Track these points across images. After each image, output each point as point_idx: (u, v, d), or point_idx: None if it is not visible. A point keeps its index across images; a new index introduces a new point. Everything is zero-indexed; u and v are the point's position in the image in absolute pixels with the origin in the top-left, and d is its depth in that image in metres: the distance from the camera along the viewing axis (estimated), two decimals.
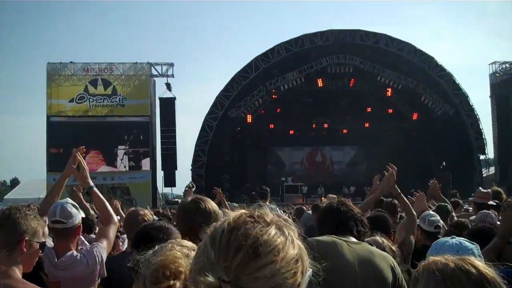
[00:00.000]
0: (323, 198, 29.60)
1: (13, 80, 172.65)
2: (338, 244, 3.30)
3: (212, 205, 3.30)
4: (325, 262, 2.96)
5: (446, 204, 7.68)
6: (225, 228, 1.24)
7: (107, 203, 4.31)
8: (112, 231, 4.21)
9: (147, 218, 4.66)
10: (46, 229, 3.13)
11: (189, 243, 2.04)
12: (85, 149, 4.52)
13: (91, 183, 4.32)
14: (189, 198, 3.45)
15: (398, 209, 7.35)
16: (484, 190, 7.73)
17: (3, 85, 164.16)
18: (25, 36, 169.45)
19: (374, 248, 3.48)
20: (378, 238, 4.07)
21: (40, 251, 3.01)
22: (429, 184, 8.63)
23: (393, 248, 4.06)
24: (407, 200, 5.31)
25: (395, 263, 3.43)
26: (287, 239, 1.24)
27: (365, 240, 3.66)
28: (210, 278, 1.16)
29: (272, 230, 1.24)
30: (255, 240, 1.20)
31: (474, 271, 1.63)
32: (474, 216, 6.70)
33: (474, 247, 2.50)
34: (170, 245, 1.99)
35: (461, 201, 9.75)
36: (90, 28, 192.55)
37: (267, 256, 1.19)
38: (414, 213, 5.23)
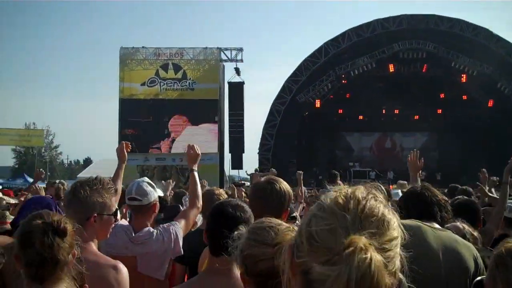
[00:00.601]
0: (391, 186, 29.70)
1: (88, 64, 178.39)
2: (423, 229, 3.28)
3: (286, 186, 3.38)
4: (410, 247, 3.30)
5: None
6: (355, 197, 1.25)
7: (199, 189, 4.59)
8: (193, 214, 4.47)
9: (222, 197, 4.99)
10: (114, 198, 3.30)
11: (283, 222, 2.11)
12: (130, 147, 4.99)
13: (195, 167, 4.61)
14: (263, 179, 3.53)
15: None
16: None
17: (79, 69, 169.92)
18: (99, 21, 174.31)
19: (458, 237, 3.44)
20: (458, 223, 3.97)
21: (114, 219, 3.23)
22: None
23: (475, 234, 3.96)
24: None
25: (478, 254, 3.38)
26: (395, 217, 1.27)
27: (446, 226, 3.66)
28: (360, 238, 1.16)
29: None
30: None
31: None
32: None
33: None
34: (279, 225, 2.06)
35: None
36: (162, 13, 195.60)
37: (392, 230, 1.23)
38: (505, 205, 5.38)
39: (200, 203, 4.55)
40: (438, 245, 3.23)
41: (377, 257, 1.13)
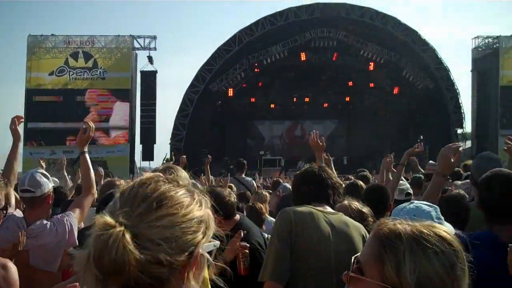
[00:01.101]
0: None
1: None
2: (314, 214, 3.25)
3: (183, 173, 3.22)
4: (302, 233, 3.14)
5: (420, 175, 8.02)
6: (136, 183, 1.36)
7: (92, 173, 4.32)
8: (87, 202, 4.25)
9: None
10: (4, 194, 3.25)
11: None
12: (22, 119, 4.63)
13: (86, 149, 4.28)
14: (160, 167, 3.49)
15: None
16: (434, 162, 7.78)
17: None
18: (6, 8, 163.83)
19: (348, 219, 3.41)
20: (345, 202, 3.90)
21: (3, 214, 3.13)
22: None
23: (364, 210, 3.90)
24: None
25: (367, 233, 3.31)
26: (194, 200, 1.35)
27: (335, 207, 3.62)
28: (107, 218, 1.24)
29: (181, 191, 1.35)
30: (160, 194, 1.31)
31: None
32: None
33: (432, 209, 2.46)
34: None
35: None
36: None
37: (168, 208, 1.29)
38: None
39: (94, 189, 4.35)
40: (328, 230, 3.21)
41: (119, 234, 1.20)
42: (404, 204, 2.55)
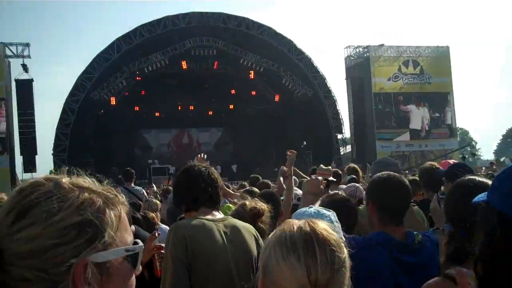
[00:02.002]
0: None
1: None
2: (207, 226, 3.18)
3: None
4: (198, 249, 3.10)
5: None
6: (14, 192, 1.22)
7: None
8: None
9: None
10: None
11: None
12: None
13: None
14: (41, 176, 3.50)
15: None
16: (325, 167, 8.22)
17: None
18: None
19: (238, 221, 3.37)
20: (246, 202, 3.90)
21: None
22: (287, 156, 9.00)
23: (263, 207, 3.80)
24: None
25: (257, 232, 3.39)
26: (74, 204, 1.18)
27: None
28: None
29: (58, 194, 1.18)
30: (28, 201, 1.17)
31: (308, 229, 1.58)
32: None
33: (331, 213, 2.49)
34: None
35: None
36: None
37: (32, 217, 1.14)
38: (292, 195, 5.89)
39: None
40: (222, 238, 3.18)
41: None
42: (304, 209, 2.58)
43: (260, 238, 3.36)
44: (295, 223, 1.64)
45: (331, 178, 8.49)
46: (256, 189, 6.23)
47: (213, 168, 3.55)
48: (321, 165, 9.40)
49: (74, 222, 1.16)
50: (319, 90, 37.12)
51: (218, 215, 3.35)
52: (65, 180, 1.23)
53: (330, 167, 9.03)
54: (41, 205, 1.15)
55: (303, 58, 36.86)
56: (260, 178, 9.57)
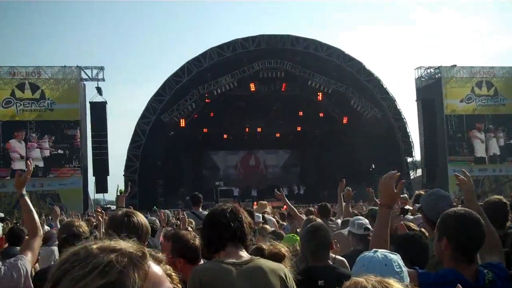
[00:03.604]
0: (255, 204, 30.18)
1: None
2: (225, 271, 3.07)
3: (143, 218, 3.34)
4: None
5: (376, 208, 8.18)
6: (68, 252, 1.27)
7: (35, 214, 4.18)
8: (37, 244, 4.10)
9: (82, 229, 4.58)
10: None
11: None
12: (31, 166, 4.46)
13: (23, 191, 4.13)
14: (119, 212, 3.41)
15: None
16: (402, 195, 7.88)
17: None
18: None
19: (264, 263, 3.20)
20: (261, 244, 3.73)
21: None
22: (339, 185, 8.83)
23: (283, 251, 3.57)
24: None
25: (287, 272, 3.23)
26: (95, 269, 1.19)
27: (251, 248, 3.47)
28: None
29: (82, 263, 1.21)
30: (62, 270, 1.23)
31: None
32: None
33: (397, 257, 2.48)
34: None
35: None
36: (17, 30, 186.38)
37: (62, 286, 1.20)
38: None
39: (40, 230, 4.19)
40: (243, 284, 3.04)
41: None
42: (371, 254, 2.51)
43: (290, 277, 3.20)
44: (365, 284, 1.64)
45: (407, 207, 8.03)
46: (318, 219, 5.98)
47: (237, 206, 3.50)
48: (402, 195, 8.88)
49: (97, 285, 1.16)
50: (388, 112, 36.42)
51: (245, 256, 3.21)
52: (95, 246, 1.26)
53: (406, 194, 8.59)
54: (70, 273, 1.19)
55: (372, 79, 36.31)
56: (328, 206, 9.33)
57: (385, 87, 36.71)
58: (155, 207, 29.63)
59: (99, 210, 11.14)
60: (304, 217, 8.14)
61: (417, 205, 7.90)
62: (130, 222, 3.21)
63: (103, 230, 5.99)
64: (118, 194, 26.29)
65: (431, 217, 3.97)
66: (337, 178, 40.69)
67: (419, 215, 6.17)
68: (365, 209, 9.04)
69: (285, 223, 11.02)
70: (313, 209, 11.53)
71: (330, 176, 41.61)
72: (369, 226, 5.90)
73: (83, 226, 4.70)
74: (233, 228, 3.22)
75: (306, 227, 5.00)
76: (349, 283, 1.69)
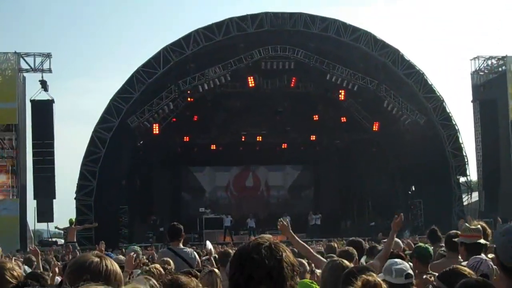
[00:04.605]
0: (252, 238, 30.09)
1: None
2: None
3: (114, 264, 3.39)
4: None
5: (426, 245, 7.95)
6: None
7: None
8: None
9: (16, 274, 4.59)
10: None
11: None
12: None
13: None
14: (89, 253, 3.52)
15: None
16: (473, 226, 7.75)
17: None
18: None
19: None
20: None
21: None
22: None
23: None
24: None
25: None
26: None
27: None
28: None
29: None
30: None
31: None
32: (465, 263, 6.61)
33: None
34: None
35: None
36: None
37: None
38: None
39: None
40: None
41: None
42: None
43: None
44: None
45: (482, 241, 7.79)
46: (346, 263, 5.84)
47: (279, 241, 3.40)
48: (466, 223, 8.74)
49: None
50: (434, 117, 36.31)
51: None
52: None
53: (479, 225, 8.33)
54: None
55: (413, 73, 36.17)
56: (363, 242, 9.40)
57: (430, 83, 36.62)
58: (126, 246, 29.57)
59: (33, 248, 11.16)
60: (320, 256, 8.08)
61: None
62: (101, 267, 3.32)
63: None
64: (69, 225, 26.11)
65: (504, 260, 3.91)
66: (364, 204, 40.84)
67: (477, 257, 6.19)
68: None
69: None
70: (335, 245, 11.70)
71: (355, 202, 41.56)
72: (411, 272, 5.78)
73: (16, 270, 4.66)
74: (268, 267, 3.13)
75: (334, 272, 5.15)
76: None
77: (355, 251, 7.65)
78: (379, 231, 36.94)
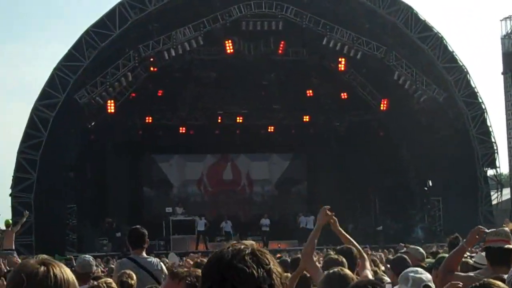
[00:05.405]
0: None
1: None
2: None
3: (68, 273, 3.30)
4: None
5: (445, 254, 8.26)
6: None
7: None
8: None
9: None
10: None
11: None
12: None
13: None
14: (32, 261, 3.37)
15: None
16: (503, 229, 7.71)
17: None
18: None
19: None
20: None
21: None
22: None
23: None
24: None
25: None
26: None
27: None
28: None
29: None
30: None
31: None
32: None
33: None
34: None
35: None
36: None
37: None
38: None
39: None
40: None
41: None
42: None
43: None
44: None
45: (510, 246, 7.89)
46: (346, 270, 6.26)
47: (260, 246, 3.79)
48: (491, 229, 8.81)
49: None
50: (456, 92, 36.47)
51: None
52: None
53: (506, 228, 8.46)
54: None
55: (430, 37, 36.40)
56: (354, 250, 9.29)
57: (451, 50, 36.88)
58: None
59: None
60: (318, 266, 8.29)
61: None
62: (49, 278, 3.16)
63: None
64: (4, 227, 26.15)
65: None
66: (369, 201, 40.96)
67: None
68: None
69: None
70: (334, 255, 11.76)
71: (358, 200, 41.65)
72: (432, 285, 5.92)
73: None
74: (256, 279, 3.06)
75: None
76: None
77: (344, 260, 7.74)
78: (388, 237, 37.22)
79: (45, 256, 3.53)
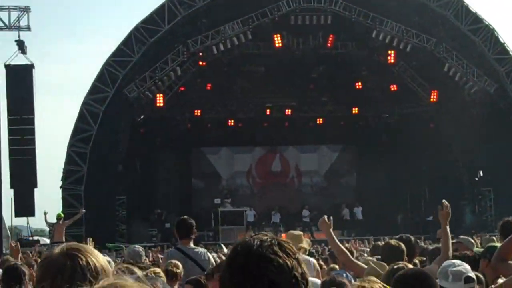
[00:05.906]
0: (284, 235, 30.21)
1: None
2: None
3: (98, 259, 3.22)
4: None
5: (494, 243, 8.11)
6: None
7: None
8: None
9: None
10: None
11: None
12: None
13: None
14: (57, 250, 3.29)
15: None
16: None
17: None
18: None
19: None
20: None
21: None
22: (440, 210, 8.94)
23: None
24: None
25: None
26: None
27: None
28: None
29: None
30: None
31: None
32: None
33: None
34: None
35: None
36: None
37: None
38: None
39: None
40: None
41: None
42: None
43: None
44: None
45: None
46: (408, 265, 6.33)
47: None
48: None
49: None
50: (508, 84, 36.15)
51: None
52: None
53: None
54: None
55: (481, 29, 36.08)
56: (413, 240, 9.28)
57: (502, 41, 36.55)
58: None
59: (14, 244, 11.16)
60: (361, 263, 8.24)
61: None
62: (76, 267, 3.09)
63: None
64: (56, 221, 26.41)
65: None
66: (420, 192, 40.75)
67: None
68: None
69: (336, 266, 11.00)
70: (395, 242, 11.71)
71: (407, 191, 41.48)
72: (473, 275, 5.85)
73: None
74: (291, 269, 2.98)
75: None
76: None
77: (404, 248, 7.73)
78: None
79: (74, 243, 3.28)
